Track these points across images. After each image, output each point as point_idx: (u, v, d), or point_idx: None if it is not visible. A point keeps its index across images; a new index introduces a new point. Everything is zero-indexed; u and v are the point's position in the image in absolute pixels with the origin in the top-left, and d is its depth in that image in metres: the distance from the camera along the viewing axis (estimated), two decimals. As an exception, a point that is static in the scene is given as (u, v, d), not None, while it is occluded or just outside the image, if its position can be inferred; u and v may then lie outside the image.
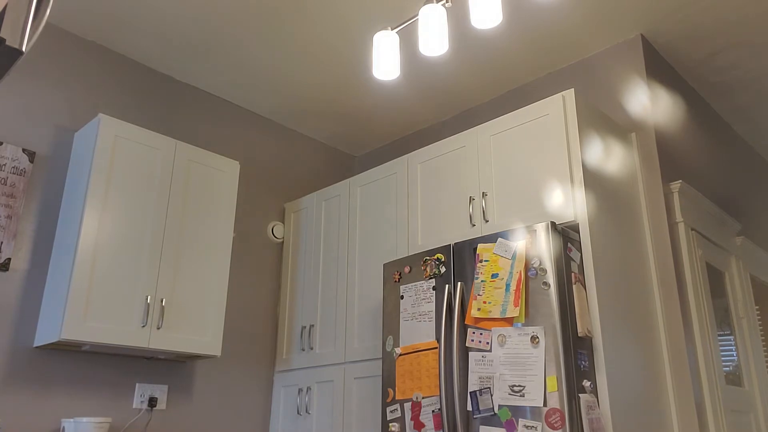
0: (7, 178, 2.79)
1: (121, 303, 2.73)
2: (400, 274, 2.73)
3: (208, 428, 3.24)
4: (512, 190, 2.69)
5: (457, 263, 2.53)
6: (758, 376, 3.26)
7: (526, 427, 2.09)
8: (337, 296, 3.37)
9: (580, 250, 2.40)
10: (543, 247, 2.26)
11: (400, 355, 2.60)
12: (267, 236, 3.81)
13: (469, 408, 2.26)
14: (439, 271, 2.57)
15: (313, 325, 3.45)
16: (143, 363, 3.06)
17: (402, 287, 2.69)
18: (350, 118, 3.97)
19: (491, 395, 2.21)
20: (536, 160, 2.64)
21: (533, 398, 2.10)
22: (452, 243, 2.59)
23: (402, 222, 3.15)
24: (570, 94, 2.62)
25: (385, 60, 2.43)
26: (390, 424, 2.54)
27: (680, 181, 2.90)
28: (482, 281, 2.37)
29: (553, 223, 2.30)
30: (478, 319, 2.34)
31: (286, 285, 3.72)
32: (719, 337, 3.00)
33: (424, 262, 2.64)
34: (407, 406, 2.50)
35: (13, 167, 2.82)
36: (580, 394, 2.10)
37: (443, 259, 2.57)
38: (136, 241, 2.85)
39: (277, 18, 3.05)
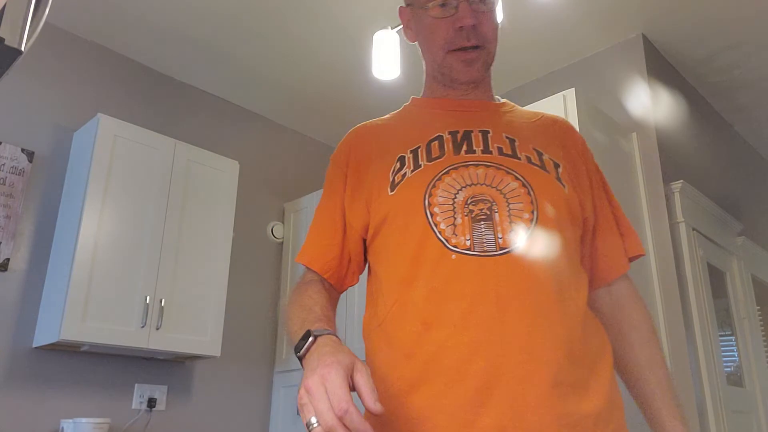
0: (6, 177, 2.78)
1: (120, 303, 2.72)
2: (400, 275, 2.72)
3: (208, 429, 3.23)
4: (513, 190, 2.68)
5: (457, 263, 2.52)
6: (759, 376, 3.25)
7: (528, 428, 2.07)
8: (337, 296, 3.36)
9: (581, 250, 2.38)
10: (544, 248, 2.25)
11: (401, 355, 2.59)
12: (267, 236, 3.80)
13: (470, 409, 2.24)
14: (440, 272, 2.56)
15: (313, 326, 3.44)
16: (142, 363, 3.05)
17: (402, 287, 2.68)
18: (350, 118, 3.95)
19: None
20: (537, 160, 2.63)
21: (535, 399, 2.08)
22: (453, 243, 2.58)
23: (402, 222, 3.14)
24: (570, 93, 2.61)
25: (385, 60, 2.42)
26: (390, 425, 2.52)
27: (681, 180, 2.90)
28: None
29: (554, 224, 2.28)
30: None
31: (286, 285, 3.71)
32: (720, 338, 3.00)
33: (425, 262, 2.62)
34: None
35: (12, 167, 2.81)
36: (581, 395, 2.07)
37: (444, 260, 2.56)
38: (136, 241, 2.84)
39: (277, 18, 3.04)
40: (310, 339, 0.85)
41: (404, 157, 1.03)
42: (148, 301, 2.80)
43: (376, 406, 0.73)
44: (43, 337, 2.67)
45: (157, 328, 2.81)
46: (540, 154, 1.02)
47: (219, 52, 3.34)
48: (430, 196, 0.96)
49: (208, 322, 3.01)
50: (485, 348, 0.86)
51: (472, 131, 1.04)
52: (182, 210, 3.05)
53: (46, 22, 0.86)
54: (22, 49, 0.82)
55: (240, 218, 3.50)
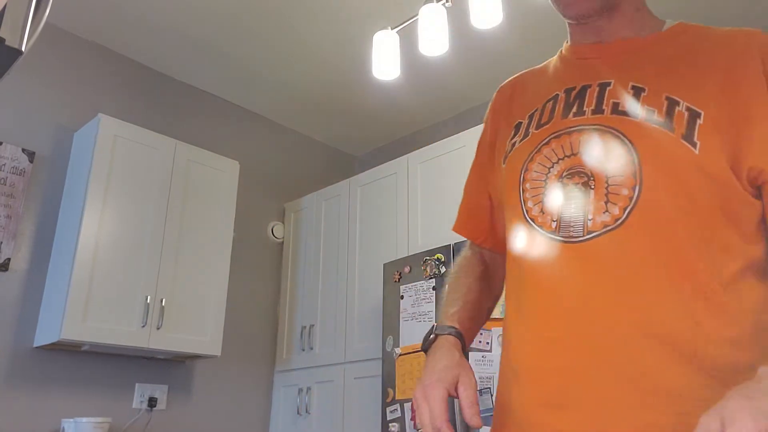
0: (7, 178, 2.79)
1: (121, 303, 2.73)
2: (400, 274, 2.73)
3: (208, 428, 3.24)
4: (512, 190, 2.69)
5: (457, 263, 2.52)
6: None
7: (527, 427, 2.07)
8: (337, 296, 3.36)
9: (580, 250, 2.38)
10: (543, 247, 2.25)
11: (400, 355, 2.60)
12: (267, 236, 3.80)
13: (470, 408, 2.26)
14: (439, 271, 2.57)
15: (313, 325, 3.45)
16: (143, 363, 3.06)
17: (402, 287, 2.69)
18: (350, 118, 3.97)
19: (491, 395, 2.21)
20: (536, 160, 2.63)
21: (534, 398, 2.09)
22: (452, 243, 2.59)
23: (402, 222, 3.15)
24: (570, 93, 2.61)
25: (385, 60, 2.43)
26: (390, 425, 2.54)
27: (680, 181, 2.90)
28: (482, 281, 2.37)
29: (553, 223, 2.28)
30: (478, 319, 2.33)
31: (286, 285, 3.72)
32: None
33: (424, 262, 2.64)
34: (407, 406, 2.50)
35: (13, 167, 2.82)
36: (580, 394, 2.07)
37: (443, 259, 2.57)
38: (136, 241, 2.85)
39: (278, 18, 3.05)
40: (431, 337, 0.91)
41: (520, 123, 0.93)
42: (148, 301, 2.81)
43: (473, 420, 0.78)
44: (43, 336, 2.68)
45: (158, 328, 2.81)
46: (674, 104, 0.79)
47: (219, 52, 3.34)
48: (525, 171, 0.87)
49: (209, 321, 3.02)
50: (563, 345, 0.78)
51: (589, 86, 0.87)
52: (183, 210, 3.05)
53: (46, 23, 0.86)
54: (23, 49, 0.83)
55: (240, 218, 3.51)
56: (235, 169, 3.34)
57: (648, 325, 0.74)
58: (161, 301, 2.85)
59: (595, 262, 0.78)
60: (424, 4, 2.41)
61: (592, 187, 0.79)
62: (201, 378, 3.28)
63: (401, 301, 2.67)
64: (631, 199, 0.77)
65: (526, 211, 0.85)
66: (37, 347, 2.73)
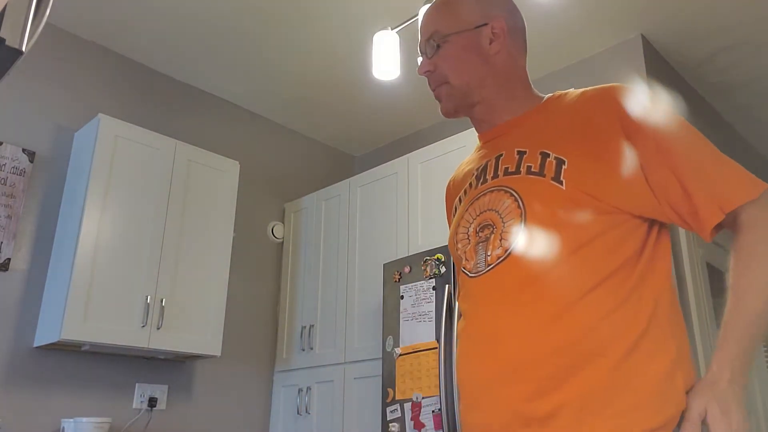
0: (7, 178, 2.79)
1: (121, 303, 2.73)
2: (400, 274, 2.73)
3: (208, 428, 3.24)
4: (512, 190, 2.69)
5: (457, 263, 2.53)
6: (758, 375, 3.26)
7: (527, 427, 2.07)
8: (337, 296, 3.36)
9: (580, 250, 2.38)
10: (543, 247, 2.25)
11: (400, 355, 2.60)
12: (267, 236, 3.80)
13: (469, 408, 2.27)
14: (439, 271, 2.57)
15: (313, 325, 3.45)
16: (143, 363, 3.06)
17: (402, 287, 2.69)
18: (350, 118, 3.97)
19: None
20: (536, 160, 2.63)
21: (533, 398, 2.09)
22: (452, 243, 2.59)
23: (402, 222, 3.15)
24: (570, 94, 2.61)
25: (385, 60, 2.43)
26: (390, 425, 2.54)
27: (680, 181, 2.90)
28: (482, 281, 2.37)
29: (553, 223, 2.28)
30: (478, 319, 2.33)
31: (286, 285, 3.72)
32: (719, 337, 2.99)
33: (424, 262, 2.64)
34: (407, 406, 2.50)
35: (13, 167, 2.82)
36: (580, 394, 2.07)
37: (443, 259, 2.57)
38: (136, 241, 2.85)
39: (278, 18, 3.05)
40: None
41: (460, 197, 1.18)
42: (148, 301, 2.81)
43: None
44: (44, 336, 2.68)
45: (158, 328, 2.81)
46: (545, 156, 1.01)
47: (219, 52, 3.34)
48: (456, 234, 1.12)
49: (209, 321, 3.02)
50: (468, 359, 1.04)
51: (489, 160, 1.12)
52: (183, 210, 3.05)
53: (46, 23, 0.86)
54: (23, 49, 0.83)
55: (240, 218, 3.51)
56: (235, 169, 3.34)
57: (525, 327, 0.95)
58: (161, 301, 2.85)
59: (491, 287, 1.00)
60: (424, 4, 2.41)
61: (494, 232, 1.02)
62: (201, 378, 3.28)
63: (401, 301, 2.67)
64: (518, 233, 0.98)
65: (460, 262, 1.09)
66: (37, 347, 2.73)
